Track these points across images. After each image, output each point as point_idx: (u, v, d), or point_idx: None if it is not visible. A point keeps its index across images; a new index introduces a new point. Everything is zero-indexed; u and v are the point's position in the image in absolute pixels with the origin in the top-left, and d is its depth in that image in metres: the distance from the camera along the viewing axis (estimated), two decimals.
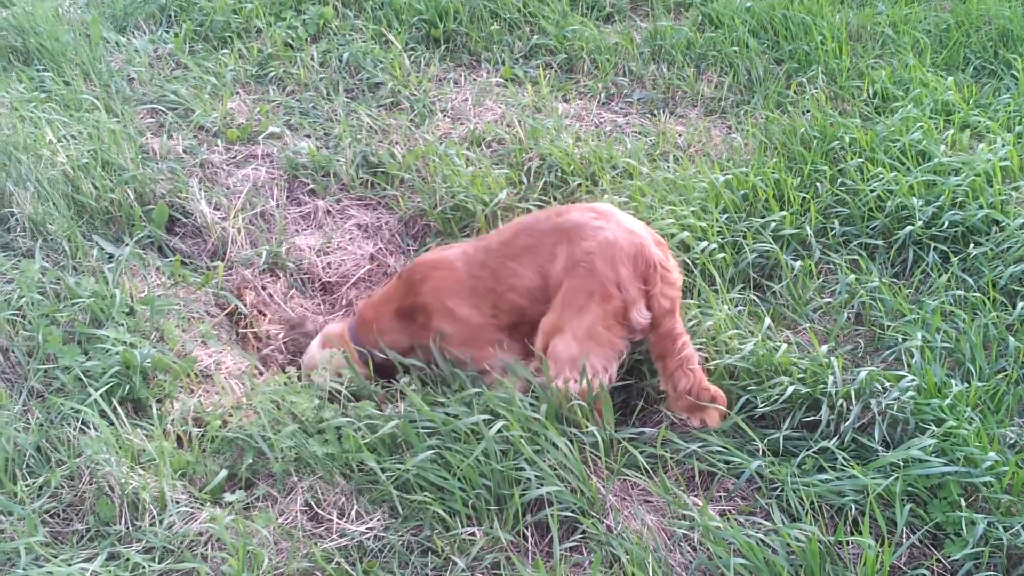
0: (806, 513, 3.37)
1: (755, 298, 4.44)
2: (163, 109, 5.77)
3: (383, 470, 3.52)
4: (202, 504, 3.43)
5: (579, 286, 3.78)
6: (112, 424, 3.62)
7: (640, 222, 3.99)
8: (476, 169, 5.27)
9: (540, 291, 3.94)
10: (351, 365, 4.14)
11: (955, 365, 4.01)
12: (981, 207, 4.69)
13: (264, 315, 4.67)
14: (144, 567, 3.19)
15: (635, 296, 3.76)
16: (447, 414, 3.69)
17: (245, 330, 4.58)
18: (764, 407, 3.77)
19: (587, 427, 3.66)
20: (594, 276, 3.75)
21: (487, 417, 3.59)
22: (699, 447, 3.68)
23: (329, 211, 5.25)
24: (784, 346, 3.99)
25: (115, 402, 3.70)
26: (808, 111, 5.76)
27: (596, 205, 4.03)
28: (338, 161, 5.44)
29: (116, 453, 3.48)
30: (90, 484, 3.44)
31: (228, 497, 3.47)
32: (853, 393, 3.69)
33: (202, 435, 3.75)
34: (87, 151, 5.04)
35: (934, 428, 3.54)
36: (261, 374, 4.28)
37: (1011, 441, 3.59)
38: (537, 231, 3.99)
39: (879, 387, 3.73)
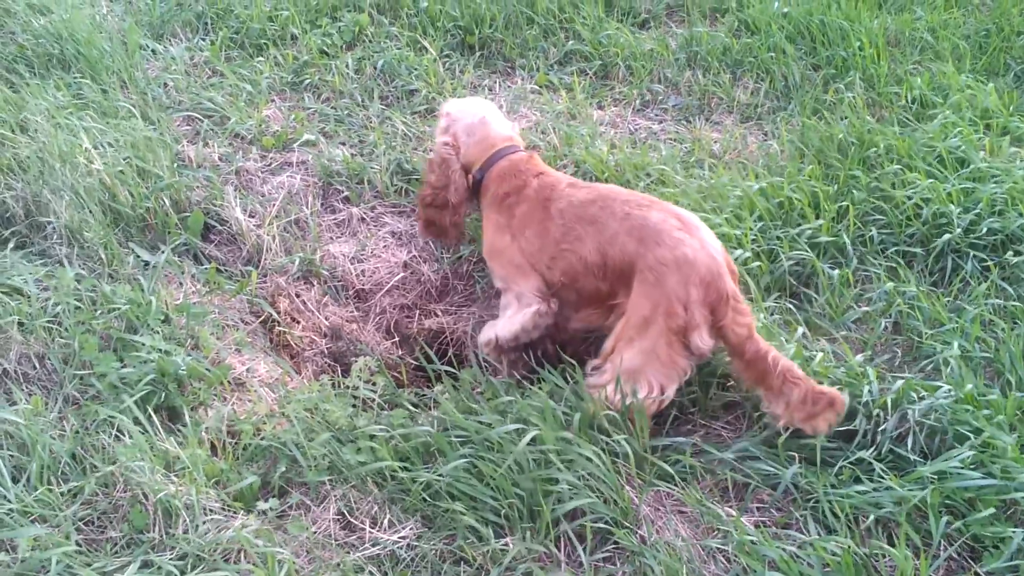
0: (842, 525, 3.33)
1: (791, 306, 4.41)
2: (199, 116, 5.80)
3: (414, 479, 3.51)
4: (235, 512, 3.43)
5: (647, 293, 3.74)
6: (146, 432, 3.64)
7: (719, 243, 3.92)
8: None
9: (597, 267, 3.94)
10: (384, 372, 4.15)
11: (994, 375, 3.97)
12: (1021, 215, 4.64)
13: (298, 322, 4.68)
14: (177, 575, 3.19)
15: (699, 321, 3.69)
16: (480, 423, 3.68)
17: (279, 337, 4.59)
18: None
19: (616, 437, 3.63)
20: (663, 289, 3.70)
21: (520, 427, 3.58)
22: (734, 457, 3.66)
23: (363, 218, 5.26)
24: (819, 355, 3.96)
25: (150, 410, 3.72)
26: (845, 117, 5.71)
27: (681, 212, 3.96)
28: (372, 168, 5.44)
29: (150, 461, 3.49)
30: (124, 492, 3.45)
31: (261, 505, 3.48)
32: (890, 403, 3.65)
33: (236, 443, 3.76)
34: (123, 159, 5.06)
35: (972, 439, 3.50)
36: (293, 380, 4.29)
37: None
38: (609, 209, 3.97)
39: (916, 397, 3.69)
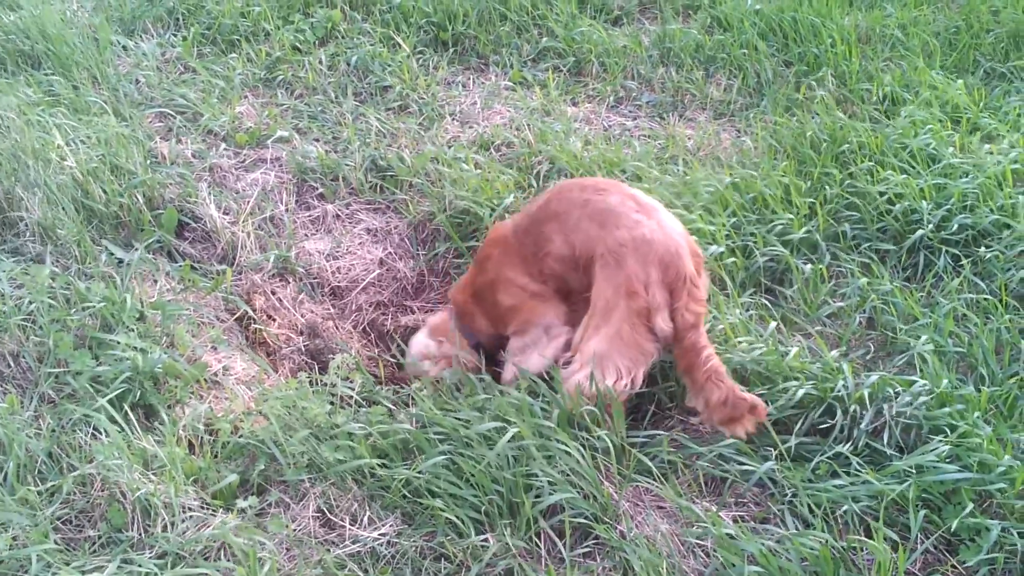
0: (819, 519, 3.36)
1: (766, 302, 4.43)
2: (171, 113, 5.77)
3: (394, 477, 3.51)
4: (214, 510, 3.42)
5: (608, 277, 3.76)
6: (123, 430, 3.62)
7: (680, 226, 3.94)
8: (484, 173, 5.26)
9: (570, 260, 3.94)
10: (362, 369, 4.15)
11: (968, 370, 4.00)
12: (991, 211, 4.68)
13: (273, 320, 4.66)
14: (156, 573, 3.18)
15: (660, 302, 3.72)
16: (459, 419, 3.68)
17: (255, 335, 4.57)
18: (776, 412, 3.75)
19: (597, 433, 3.64)
20: (622, 270, 3.72)
21: (499, 424, 3.58)
22: (711, 452, 3.67)
23: (338, 215, 5.25)
24: (794, 350, 3.98)
25: (126, 408, 3.70)
26: (817, 114, 5.75)
27: (639, 195, 3.97)
28: (347, 165, 5.43)
29: (128, 459, 3.47)
30: (102, 490, 3.43)
31: (240, 503, 3.46)
32: (866, 397, 3.68)
33: (214, 441, 3.74)
34: (96, 155, 5.03)
35: (948, 433, 3.54)
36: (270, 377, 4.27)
37: None
38: (567, 199, 3.98)
39: (891, 392, 3.72)
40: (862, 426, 3.63)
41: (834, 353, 4.01)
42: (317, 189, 5.37)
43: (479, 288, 4.24)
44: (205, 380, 4.01)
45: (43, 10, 6.41)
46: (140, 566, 3.19)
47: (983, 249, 4.55)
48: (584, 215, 3.89)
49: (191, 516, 3.37)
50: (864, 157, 5.18)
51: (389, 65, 6.34)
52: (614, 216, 3.83)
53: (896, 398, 3.69)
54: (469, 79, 6.42)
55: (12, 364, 3.94)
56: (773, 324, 4.19)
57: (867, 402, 3.68)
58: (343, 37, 6.67)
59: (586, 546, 3.39)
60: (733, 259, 4.55)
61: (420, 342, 4.43)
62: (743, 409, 3.63)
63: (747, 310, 4.35)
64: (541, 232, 4.01)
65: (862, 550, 3.29)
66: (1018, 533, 3.26)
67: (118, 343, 3.93)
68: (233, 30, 6.67)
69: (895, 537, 3.29)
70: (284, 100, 6.06)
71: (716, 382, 3.66)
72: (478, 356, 4.37)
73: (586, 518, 3.42)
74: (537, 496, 3.42)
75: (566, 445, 3.52)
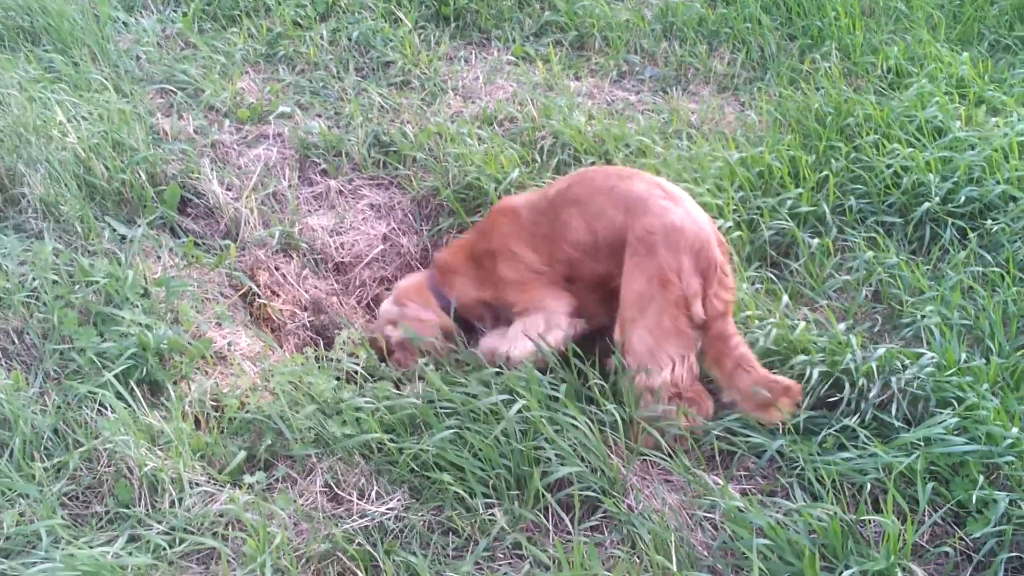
0: (828, 492, 3.35)
1: (772, 276, 4.42)
2: (173, 89, 5.74)
3: (401, 451, 3.51)
4: (221, 486, 3.42)
5: (639, 266, 3.68)
6: (129, 406, 3.61)
7: (706, 214, 3.87)
8: (488, 148, 5.23)
9: (590, 247, 3.87)
10: (366, 346, 4.14)
11: (975, 342, 3.99)
12: (998, 183, 4.66)
13: (278, 295, 4.64)
14: (164, 548, 3.18)
15: (696, 290, 3.64)
16: (466, 394, 3.67)
17: (259, 310, 4.55)
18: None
19: (605, 406, 3.63)
20: (654, 259, 3.64)
21: (507, 397, 3.57)
22: (720, 426, 3.67)
23: (341, 191, 5.22)
24: (802, 324, 3.97)
25: (132, 384, 3.69)
26: (822, 87, 5.72)
27: (664, 183, 3.90)
28: (349, 141, 5.40)
29: (134, 435, 3.46)
30: (108, 466, 3.42)
31: (248, 478, 3.46)
32: (874, 370, 3.67)
33: (220, 416, 3.73)
34: (97, 132, 5.00)
35: (955, 405, 3.53)
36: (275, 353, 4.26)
37: None
38: (591, 186, 3.91)
39: (899, 365, 3.71)
40: (870, 399, 3.62)
41: (841, 326, 3.99)
42: (320, 165, 5.34)
43: (478, 254, 4.19)
44: (210, 356, 4.00)
45: None
46: (148, 541, 3.19)
47: (990, 222, 4.54)
48: (608, 202, 3.82)
49: (198, 491, 3.36)
50: (870, 130, 5.16)
51: (391, 40, 6.30)
52: (641, 203, 3.75)
53: (904, 370, 3.68)
54: (471, 54, 6.39)
55: (16, 341, 3.93)
56: (785, 299, 4.18)
57: (875, 374, 3.67)
58: (344, 12, 6.63)
59: (594, 519, 3.39)
60: (739, 233, 4.54)
61: (384, 308, 4.40)
62: (777, 392, 3.59)
63: (753, 284, 4.33)
64: (559, 216, 3.93)
65: (871, 522, 3.28)
66: None
67: (123, 319, 3.92)
68: (234, 5, 6.63)
69: (904, 509, 3.29)
70: (286, 76, 6.02)
71: (746, 368, 3.64)
72: (448, 316, 4.29)
73: (594, 491, 3.41)
74: (545, 470, 3.42)
75: (574, 418, 3.51)
